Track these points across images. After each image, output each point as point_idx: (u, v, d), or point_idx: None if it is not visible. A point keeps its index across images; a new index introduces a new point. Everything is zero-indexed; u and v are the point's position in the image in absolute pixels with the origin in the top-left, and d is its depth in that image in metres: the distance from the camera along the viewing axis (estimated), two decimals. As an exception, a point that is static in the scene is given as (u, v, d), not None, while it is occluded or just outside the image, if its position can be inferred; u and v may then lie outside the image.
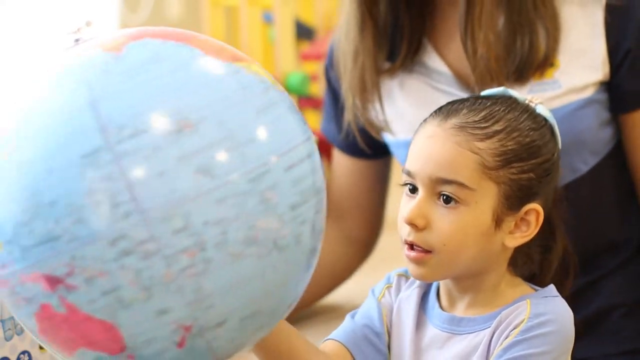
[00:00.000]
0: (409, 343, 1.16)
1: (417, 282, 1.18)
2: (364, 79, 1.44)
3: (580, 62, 1.37)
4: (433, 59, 1.43)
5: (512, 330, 1.08)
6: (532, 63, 1.36)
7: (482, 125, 1.11)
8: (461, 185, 1.09)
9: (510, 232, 1.12)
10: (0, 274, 0.94)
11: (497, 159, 1.10)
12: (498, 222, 1.11)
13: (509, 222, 1.12)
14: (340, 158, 1.62)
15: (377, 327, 1.18)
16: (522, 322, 1.08)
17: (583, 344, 1.39)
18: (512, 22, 1.36)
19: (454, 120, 1.12)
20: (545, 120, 1.16)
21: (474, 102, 1.14)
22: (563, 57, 1.37)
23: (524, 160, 1.11)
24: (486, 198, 1.10)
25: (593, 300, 1.42)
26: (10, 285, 0.94)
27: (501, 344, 1.08)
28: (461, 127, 1.11)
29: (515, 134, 1.12)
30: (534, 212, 1.12)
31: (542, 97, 1.35)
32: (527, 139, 1.12)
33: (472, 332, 1.12)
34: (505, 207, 1.11)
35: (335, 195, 1.63)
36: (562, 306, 1.11)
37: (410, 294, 1.18)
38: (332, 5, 3.86)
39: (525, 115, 1.14)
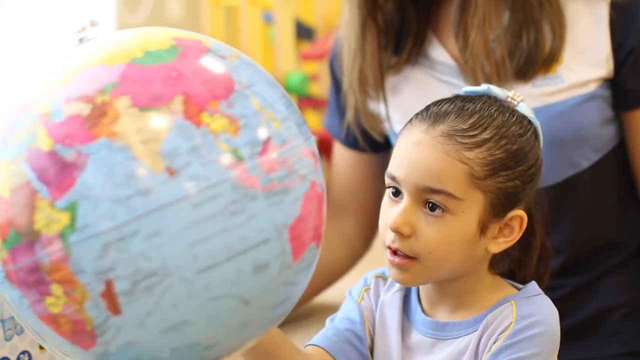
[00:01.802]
0: (395, 349, 1.15)
1: (397, 285, 1.18)
2: (367, 81, 1.44)
3: (584, 58, 1.37)
4: (437, 51, 1.44)
5: (500, 334, 1.08)
6: (537, 60, 1.36)
7: (471, 134, 1.10)
8: (449, 195, 1.08)
9: (494, 238, 1.12)
10: (280, 150, 0.95)
11: (486, 168, 1.09)
12: (483, 229, 1.10)
13: (493, 229, 1.11)
14: (341, 152, 1.62)
15: (359, 330, 1.18)
16: (509, 325, 1.08)
17: (582, 345, 1.39)
18: (517, 20, 1.36)
19: (441, 128, 1.10)
20: (529, 121, 1.15)
21: (461, 106, 1.12)
22: (567, 53, 1.37)
23: (511, 168, 1.11)
24: (473, 207, 1.09)
25: (591, 300, 1.42)
26: (290, 162, 0.95)
27: (490, 348, 1.08)
28: (449, 136, 1.09)
29: (503, 142, 1.11)
30: (518, 218, 1.12)
31: (544, 91, 1.35)
32: (515, 147, 1.11)
33: (457, 337, 1.12)
34: (491, 214, 1.10)
35: (335, 191, 1.63)
36: (546, 305, 1.11)
37: (392, 298, 1.18)
38: (332, 5, 3.86)
39: (512, 120, 1.13)
